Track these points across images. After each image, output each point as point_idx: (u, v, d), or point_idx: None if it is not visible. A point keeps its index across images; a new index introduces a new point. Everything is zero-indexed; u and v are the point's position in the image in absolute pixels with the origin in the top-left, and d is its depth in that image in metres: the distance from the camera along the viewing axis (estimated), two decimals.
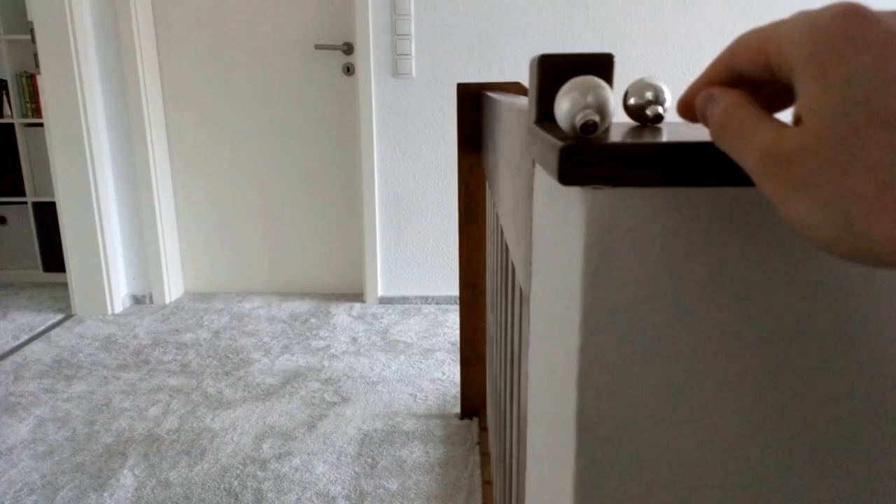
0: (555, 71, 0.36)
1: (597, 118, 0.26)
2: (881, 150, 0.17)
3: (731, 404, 0.29)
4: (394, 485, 1.33)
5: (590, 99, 0.27)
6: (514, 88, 1.29)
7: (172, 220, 2.47)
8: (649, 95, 0.33)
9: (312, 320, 2.24)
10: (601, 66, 0.36)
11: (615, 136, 0.29)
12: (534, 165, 0.40)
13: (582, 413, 0.29)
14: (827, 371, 0.29)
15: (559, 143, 0.26)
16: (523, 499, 0.51)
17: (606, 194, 0.27)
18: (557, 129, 0.33)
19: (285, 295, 2.52)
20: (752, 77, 0.23)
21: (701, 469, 0.30)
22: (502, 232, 0.89)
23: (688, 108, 0.27)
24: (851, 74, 0.18)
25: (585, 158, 0.26)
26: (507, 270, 0.83)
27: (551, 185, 0.34)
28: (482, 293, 1.51)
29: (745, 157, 0.21)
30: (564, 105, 0.27)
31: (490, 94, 1.16)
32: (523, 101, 0.68)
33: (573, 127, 0.27)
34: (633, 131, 0.31)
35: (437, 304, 2.38)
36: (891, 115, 0.17)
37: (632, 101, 0.33)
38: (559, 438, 0.32)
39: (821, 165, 0.19)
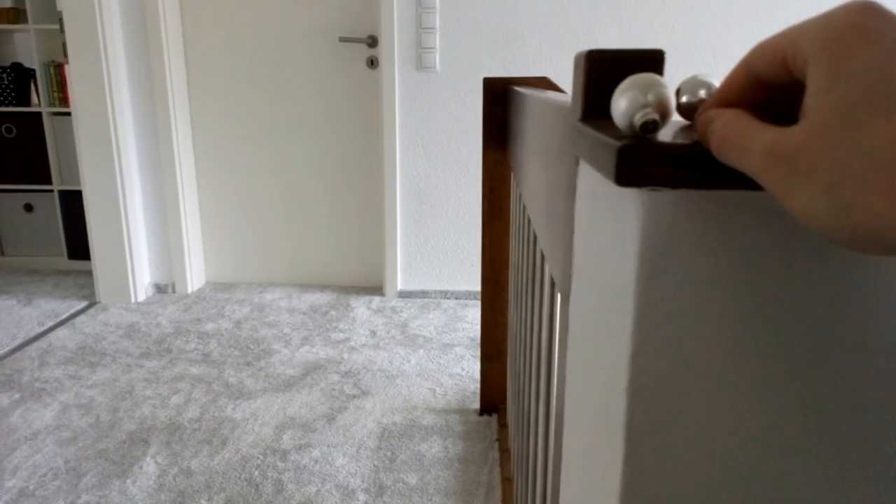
0: (602, 67, 0.35)
1: (657, 117, 0.25)
2: (880, 137, 0.18)
3: (792, 418, 0.28)
4: (413, 479, 1.33)
5: (650, 97, 0.26)
6: (542, 83, 1.27)
7: (195, 209, 2.49)
8: (703, 93, 0.32)
9: (332, 312, 2.25)
10: (651, 62, 0.35)
11: (668, 136, 0.28)
12: (577, 164, 0.39)
13: (631, 422, 0.28)
14: (886, 385, 0.28)
15: (616, 143, 0.25)
16: (556, 502, 0.50)
17: (664, 196, 0.26)
18: (608, 126, 0.32)
19: (305, 287, 2.53)
20: (770, 79, 0.24)
21: (757, 485, 0.29)
22: (529, 228, 0.88)
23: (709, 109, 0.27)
24: (860, 65, 0.19)
25: (645, 159, 0.25)
26: (535, 268, 0.82)
27: (601, 185, 0.33)
28: (504, 289, 1.51)
29: (749, 160, 0.22)
30: (623, 103, 0.26)
31: (517, 88, 1.15)
32: (557, 97, 0.67)
33: (632, 126, 0.26)
34: (687, 131, 0.30)
35: (456, 298, 2.38)
36: (893, 105, 0.18)
37: (685, 98, 0.32)
38: (604, 446, 0.31)
39: (822, 153, 0.19)
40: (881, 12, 0.19)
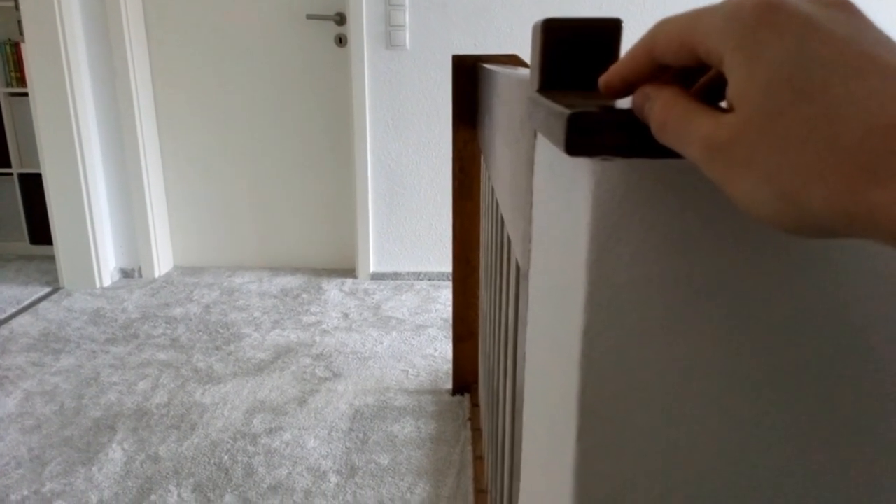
0: (559, 36, 0.34)
1: None
2: (809, 124, 0.18)
3: (742, 390, 0.28)
4: (385, 460, 1.33)
5: None
6: (511, 61, 1.26)
7: (161, 192, 2.43)
8: None
9: (304, 295, 2.23)
10: (608, 31, 0.34)
11: (623, 104, 0.27)
12: (535, 136, 0.39)
13: (584, 396, 0.28)
14: (840, 360, 0.27)
15: (566, 111, 0.25)
16: (518, 477, 0.50)
17: (616, 165, 0.25)
18: (563, 96, 0.31)
19: (276, 270, 2.50)
20: (675, 65, 0.24)
21: (707, 457, 0.28)
22: (498, 208, 0.87)
23: (611, 89, 0.27)
24: (775, 57, 0.19)
25: (596, 127, 0.24)
26: (503, 247, 0.82)
27: (555, 157, 0.32)
28: (475, 269, 1.50)
29: (689, 149, 0.22)
30: None
31: (486, 65, 1.13)
32: (522, 73, 0.66)
33: None
34: None
35: (429, 280, 2.37)
36: (814, 89, 0.18)
37: None
38: (559, 421, 0.31)
39: (757, 145, 0.19)
40: (783, 4, 0.20)
